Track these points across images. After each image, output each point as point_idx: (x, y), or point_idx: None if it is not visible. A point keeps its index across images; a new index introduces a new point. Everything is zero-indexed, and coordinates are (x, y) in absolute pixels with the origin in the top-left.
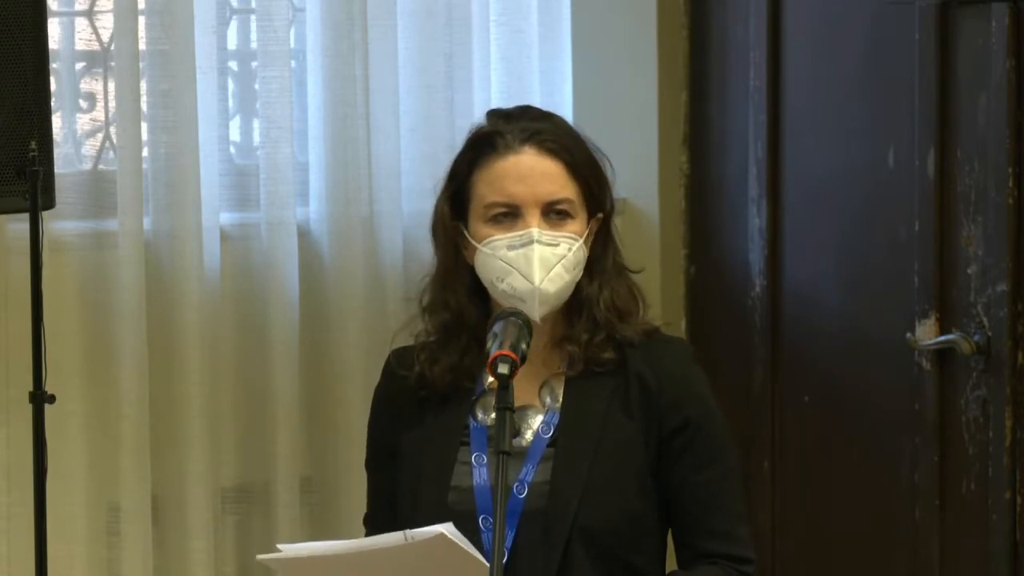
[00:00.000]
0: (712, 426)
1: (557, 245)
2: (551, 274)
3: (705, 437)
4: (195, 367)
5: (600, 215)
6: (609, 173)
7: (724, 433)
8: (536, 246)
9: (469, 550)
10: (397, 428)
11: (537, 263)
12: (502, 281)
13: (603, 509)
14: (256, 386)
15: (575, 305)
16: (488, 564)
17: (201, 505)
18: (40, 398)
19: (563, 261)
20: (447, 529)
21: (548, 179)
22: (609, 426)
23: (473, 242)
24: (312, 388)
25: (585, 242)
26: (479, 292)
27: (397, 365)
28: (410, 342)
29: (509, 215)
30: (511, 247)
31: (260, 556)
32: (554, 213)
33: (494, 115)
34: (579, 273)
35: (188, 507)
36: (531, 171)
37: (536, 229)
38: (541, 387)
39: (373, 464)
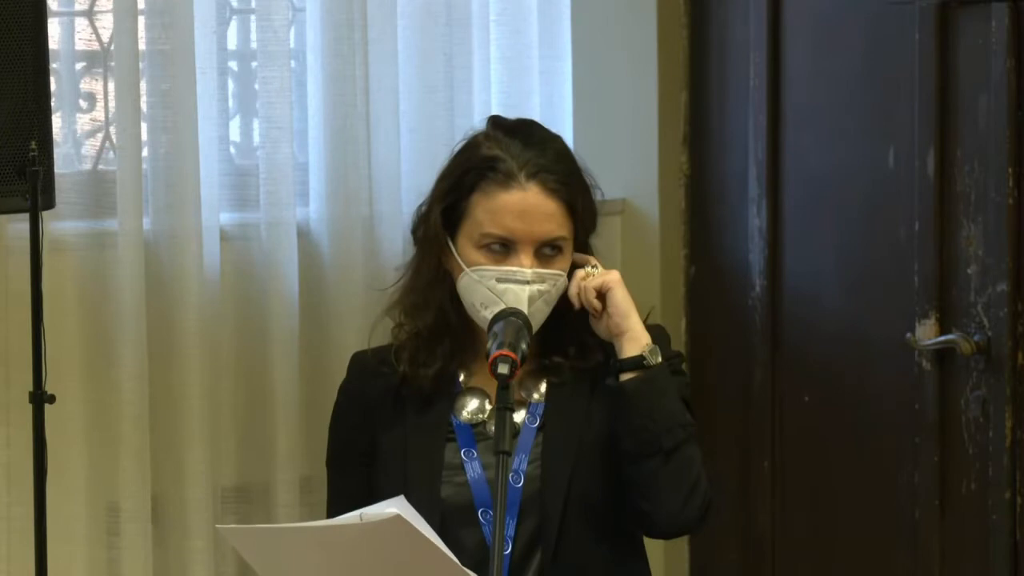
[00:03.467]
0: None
1: (543, 282)
2: (533, 308)
3: None
4: (195, 367)
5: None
6: (597, 199)
7: (692, 412)
8: (528, 287)
9: (425, 533)
10: (370, 427)
11: (527, 302)
12: (485, 308)
13: (594, 476)
14: (256, 386)
15: (556, 317)
16: (442, 549)
17: (201, 505)
18: (40, 398)
19: (545, 296)
20: (402, 508)
21: (547, 219)
22: (594, 405)
23: (459, 261)
24: (312, 388)
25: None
26: (456, 297)
27: (374, 363)
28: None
29: (502, 247)
30: (500, 280)
31: (219, 526)
32: (548, 248)
33: (498, 128)
34: (554, 304)
35: (188, 507)
36: (534, 210)
37: (530, 270)
38: (519, 384)
39: (339, 463)
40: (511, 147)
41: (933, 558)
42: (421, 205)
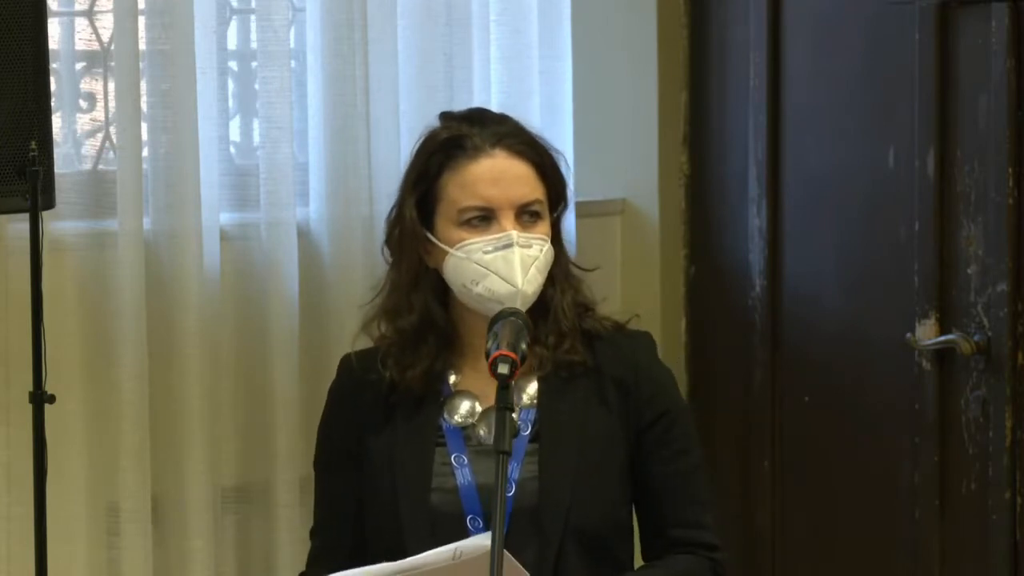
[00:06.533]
0: (685, 420)
1: (530, 247)
2: (528, 276)
3: (679, 431)
4: (195, 367)
5: (555, 214)
6: (565, 171)
7: (693, 427)
8: (516, 249)
9: (519, 566)
10: (359, 430)
11: (519, 265)
12: (477, 284)
13: (593, 505)
14: (256, 386)
15: (539, 307)
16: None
17: (201, 505)
18: (40, 398)
19: (536, 263)
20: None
21: (520, 181)
22: (589, 421)
23: (442, 246)
24: (312, 388)
25: (552, 242)
26: (441, 296)
27: (360, 367)
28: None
29: (483, 218)
30: (487, 250)
31: None
32: (526, 215)
33: (450, 118)
34: (547, 273)
35: (188, 507)
36: (504, 174)
37: (515, 232)
38: None
39: (326, 466)
40: (470, 127)
41: (933, 558)
42: (391, 211)
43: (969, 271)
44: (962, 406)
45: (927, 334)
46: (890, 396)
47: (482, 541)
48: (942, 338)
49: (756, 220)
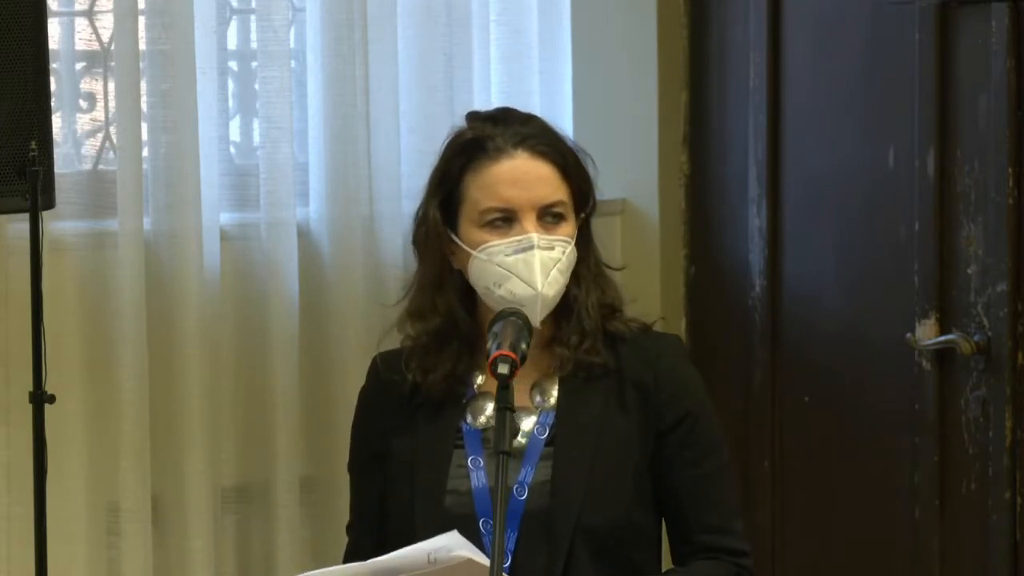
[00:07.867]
0: (708, 422)
1: (552, 249)
2: (549, 278)
3: (702, 432)
4: (195, 367)
5: (583, 215)
6: (592, 171)
7: (718, 429)
8: (536, 251)
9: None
10: (385, 432)
11: (539, 268)
12: (500, 287)
13: (605, 508)
14: (256, 386)
15: (562, 307)
16: None
17: (201, 505)
18: (40, 398)
19: (558, 265)
20: (470, 550)
21: (542, 182)
22: (607, 424)
23: (466, 248)
24: (312, 388)
25: (576, 243)
26: (467, 297)
27: (385, 369)
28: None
29: (504, 220)
30: (508, 253)
31: None
32: (548, 216)
33: (476, 118)
34: (570, 275)
35: (188, 507)
36: (526, 175)
37: (535, 235)
38: (532, 388)
39: (357, 466)
40: (494, 128)
41: (933, 558)
42: (417, 211)
43: (969, 271)
44: (962, 406)
45: (927, 334)
46: (890, 396)
47: (459, 551)
48: (942, 338)
49: (756, 220)
